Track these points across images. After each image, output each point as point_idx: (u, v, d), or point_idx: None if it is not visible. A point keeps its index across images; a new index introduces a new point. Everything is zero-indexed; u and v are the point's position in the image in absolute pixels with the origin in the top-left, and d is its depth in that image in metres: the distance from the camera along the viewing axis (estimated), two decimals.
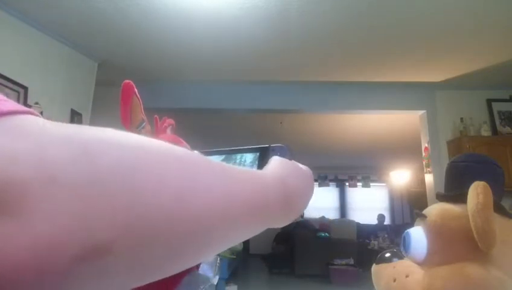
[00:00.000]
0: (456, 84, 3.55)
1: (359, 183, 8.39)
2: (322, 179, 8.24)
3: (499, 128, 3.48)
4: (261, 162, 0.37)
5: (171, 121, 0.62)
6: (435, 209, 0.73)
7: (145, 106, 0.55)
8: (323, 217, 7.44)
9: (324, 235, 6.13)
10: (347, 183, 8.50)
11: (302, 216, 0.37)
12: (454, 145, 3.44)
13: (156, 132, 0.60)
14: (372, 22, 2.54)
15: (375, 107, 3.73)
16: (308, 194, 0.35)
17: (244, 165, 0.39)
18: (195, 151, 0.29)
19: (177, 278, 0.42)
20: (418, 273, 0.67)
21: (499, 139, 3.40)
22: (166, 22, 2.57)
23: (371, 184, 8.35)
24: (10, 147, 0.14)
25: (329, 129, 5.21)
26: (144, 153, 0.18)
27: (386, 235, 6.37)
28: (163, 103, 3.60)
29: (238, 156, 0.41)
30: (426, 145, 3.62)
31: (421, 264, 0.69)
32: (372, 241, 6.19)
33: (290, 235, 6.12)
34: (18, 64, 2.50)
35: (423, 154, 3.69)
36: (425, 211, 0.75)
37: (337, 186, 8.70)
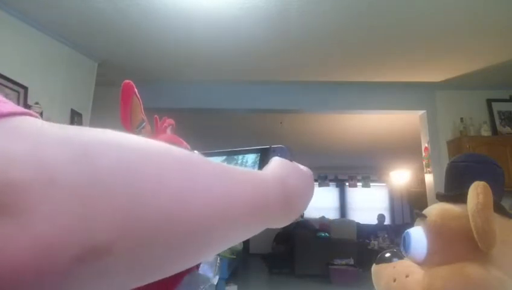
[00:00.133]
0: (456, 84, 3.55)
1: (359, 183, 8.39)
2: (322, 179, 8.24)
3: (499, 128, 3.49)
4: (262, 163, 0.37)
5: (171, 121, 0.62)
6: (435, 209, 0.73)
7: (145, 106, 0.55)
8: (323, 217, 7.44)
9: (324, 235, 6.13)
10: (347, 183, 8.50)
11: (302, 216, 0.37)
12: (454, 145, 3.44)
13: (155, 132, 0.60)
14: (372, 22, 2.54)
15: (375, 107, 3.73)
16: (308, 195, 0.35)
17: (245, 166, 0.39)
18: (195, 152, 0.29)
19: (177, 278, 0.42)
20: (418, 273, 0.67)
21: (499, 139, 3.40)
22: (166, 22, 2.57)
23: (371, 184, 8.35)
24: (9, 148, 0.14)
25: (329, 129, 5.21)
26: (144, 154, 0.19)
27: (386, 235, 6.37)
28: (163, 103, 3.60)
29: (240, 157, 0.41)
30: (426, 145, 3.62)
31: (421, 264, 0.69)
32: (372, 241, 6.19)
33: (290, 235, 6.11)
34: (18, 64, 2.50)
35: (423, 154, 3.69)
36: (425, 211, 0.75)
37: (337, 186, 8.70)
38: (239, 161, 0.40)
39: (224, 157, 0.42)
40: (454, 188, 0.74)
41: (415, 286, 0.66)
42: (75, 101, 2.95)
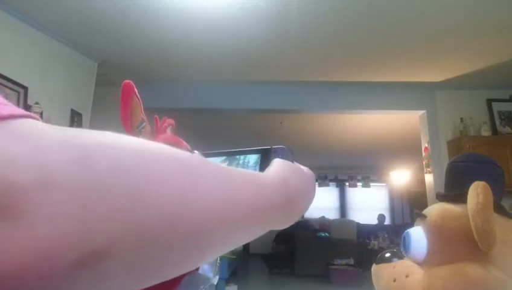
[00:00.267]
0: (456, 84, 3.55)
1: (359, 183, 8.39)
2: (322, 179, 8.24)
3: (499, 128, 3.48)
4: (263, 163, 0.37)
5: (171, 121, 0.62)
6: (435, 209, 0.73)
7: (145, 106, 0.55)
8: (323, 217, 7.44)
9: (324, 235, 6.13)
10: (347, 183, 8.50)
11: (302, 216, 0.37)
12: (454, 145, 3.44)
13: (156, 132, 0.60)
14: (372, 22, 2.54)
15: (375, 107, 3.73)
16: (309, 196, 0.35)
17: (247, 166, 0.39)
18: (196, 152, 0.29)
19: (177, 278, 0.42)
20: (418, 273, 0.67)
21: (499, 139, 3.40)
22: (166, 22, 2.57)
23: (371, 184, 8.35)
24: (9, 150, 0.14)
25: (329, 129, 5.21)
26: (144, 157, 0.18)
27: (386, 235, 6.37)
28: (163, 103, 3.60)
29: (241, 157, 0.41)
30: (426, 145, 3.62)
31: (421, 264, 0.69)
32: (372, 241, 6.19)
33: (290, 235, 6.12)
34: (18, 64, 2.50)
35: (423, 154, 3.69)
36: (425, 211, 0.75)
37: (337, 186, 8.70)
38: (240, 162, 0.40)
39: (225, 157, 0.42)
40: (454, 188, 0.74)
41: (415, 286, 0.66)
42: (75, 101, 2.95)
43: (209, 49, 2.97)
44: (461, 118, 3.51)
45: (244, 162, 0.40)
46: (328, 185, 8.39)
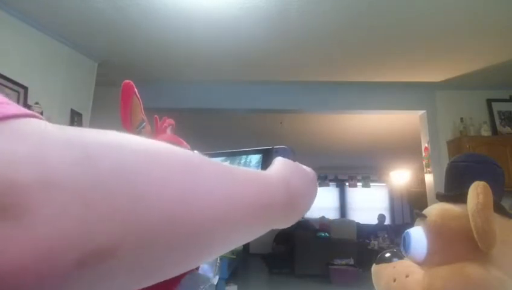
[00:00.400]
0: (456, 84, 3.55)
1: (359, 183, 8.39)
2: (322, 179, 8.24)
3: (499, 128, 3.48)
4: (264, 163, 0.37)
5: (171, 121, 0.62)
6: (435, 209, 0.73)
7: (145, 106, 0.55)
8: (323, 217, 7.44)
9: (324, 235, 6.13)
10: (347, 183, 8.50)
11: (302, 216, 0.37)
12: (454, 145, 3.44)
13: (156, 132, 0.60)
14: (372, 22, 2.54)
15: (375, 107, 3.73)
16: (311, 195, 0.35)
17: (249, 166, 0.39)
18: (196, 152, 0.29)
19: (177, 278, 0.42)
20: (418, 273, 0.67)
21: (499, 139, 3.40)
22: (166, 22, 2.57)
23: (371, 184, 8.35)
24: (12, 150, 0.14)
25: (329, 129, 5.21)
26: (146, 156, 0.18)
27: (386, 235, 6.37)
28: (163, 103, 3.60)
29: (243, 157, 0.41)
30: (426, 145, 3.62)
31: (421, 264, 0.69)
32: (372, 241, 6.19)
33: (290, 235, 6.12)
34: (18, 64, 2.50)
35: (423, 154, 3.69)
36: (425, 211, 0.75)
37: (337, 186, 8.70)
38: (242, 162, 0.40)
39: (226, 158, 0.42)
40: (454, 188, 0.74)
41: (415, 286, 0.66)
42: (75, 101, 2.95)
43: (209, 49, 2.97)
44: (461, 118, 3.51)
45: (245, 162, 0.40)
46: (328, 185, 8.39)
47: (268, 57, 3.10)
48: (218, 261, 0.53)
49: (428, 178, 3.56)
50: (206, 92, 3.71)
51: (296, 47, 2.92)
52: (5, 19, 2.41)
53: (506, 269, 0.62)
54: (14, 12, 2.45)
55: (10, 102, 0.16)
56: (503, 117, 3.53)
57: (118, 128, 0.19)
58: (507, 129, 3.48)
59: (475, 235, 0.60)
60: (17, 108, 0.16)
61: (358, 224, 6.86)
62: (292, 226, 0.33)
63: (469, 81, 3.47)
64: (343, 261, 5.41)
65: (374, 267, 0.78)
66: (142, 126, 0.53)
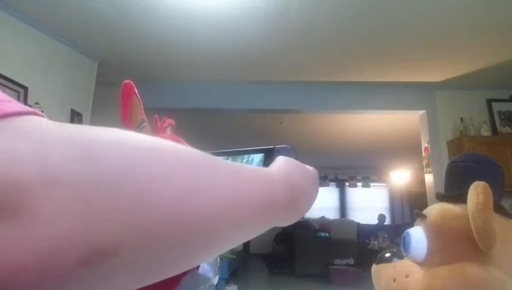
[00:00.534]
0: (456, 84, 3.55)
1: (359, 183, 8.39)
2: (322, 179, 8.24)
3: (499, 128, 3.48)
4: (266, 163, 0.37)
5: (171, 121, 0.62)
6: (435, 209, 0.73)
7: (145, 106, 0.54)
8: (323, 217, 7.44)
9: (324, 235, 6.13)
10: (347, 183, 8.50)
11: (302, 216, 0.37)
12: (454, 145, 3.44)
13: (156, 132, 0.60)
14: (372, 22, 2.54)
15: (375, 107, 3.73)
16: (313, 194, 0.35)
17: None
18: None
19: (176, 278, 0.42)
20: (418, 273, 0.67)
21: (499, 139, 3.40)
22: (166, 22, 2.57)
23: (371, 184, 8.35)
24: (13, 148, 0.14)
25: (329, 129, 5.21)
26: (148, 154, 0.18)
27: (386, 235, 6.37)
28: (163, 103, 3.60)
29: (245, 157, 0.41)
30: (426, 145, 3.62)
31: (421, 264, 0.69)
32: (372, 241, 6.19)
33: (290, 235, 6.12)
34: (18, 64, 2.50)
35: (423, 154, 3.69)
36: (425, 211, 0.75)
37: (337, 186, 8.70)
38: (244, 161, 0.40)
39: (228, 157, 0.42)
40: (454, 188, 0.74)
41: (415, 286, 0.66)
42: (75, 101, 2.95)
43: (209, 49, 2.97)
44: (461, 118, 3.51)
45: (247, 161, 0.40)
46: (328, 185, 8.39)
47: (268, 57, 3.10)
48: (218, 261, 0.53)
49: (428, 178, 3.56)
50: (206, 92, 3.71)
51: (296, 47, 2.92)
52: (5, 19, 2.41)
53: (506, 269, 0.62)
54: (14, 12, 2.45)
55: (11, 100, 0.16)
56: (503, 117, 3.53)
57: (119, 129, 0.19)
58: (507, 129, 3.48)
59: (475, 235, 0.60)
60: (18, 106, 0.16)
61: (358, 224, 6.86)
62: (292, 226, 0.33)
63: (469, 81, 3.47)
64: (343, 261, 5.41)
65: (374, 267, 0.78)
66: (142, 126, 0.53)
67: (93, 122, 3.13)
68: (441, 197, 0.77)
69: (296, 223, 0.34)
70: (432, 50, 2.92)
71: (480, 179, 0.64)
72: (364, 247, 5.97)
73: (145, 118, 0.54)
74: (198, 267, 0.47)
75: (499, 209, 0.66)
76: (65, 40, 2.83)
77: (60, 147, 0.15)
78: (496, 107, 3.56)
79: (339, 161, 7.70)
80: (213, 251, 0.23)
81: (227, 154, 0.43)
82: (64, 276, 0.14)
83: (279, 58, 3.13)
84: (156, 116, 0.62)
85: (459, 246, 0.66)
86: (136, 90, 0.53)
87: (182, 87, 3.71)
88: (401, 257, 0.74)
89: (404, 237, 0.72)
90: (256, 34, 2.72)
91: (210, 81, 3.65)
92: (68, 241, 0.14)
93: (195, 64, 3.29)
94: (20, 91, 2.46)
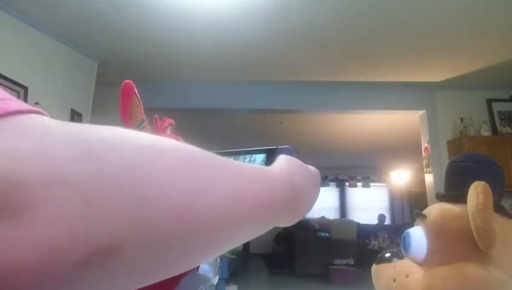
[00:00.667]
0: (456, 84, 3.55)
1: (359, 183, 8.39)
2: (322, 179, 8.04)
3: (499, 128, 3.48)
4: (268, 163, 0.37)
5: (171, 121, 0.62)
6: (435, 209, 0.73)
7: (145, 106, 0.55)
8: (323, 217, 7.44)
9: (324, 235, 6.13)
10: (347, 183, 8.50)
11: None
12: (454, 145, 3.44)
13: (156, 132, 0.60)
14: (372, 22, 2.54)
15: (375, 107, 3.73)
16: (314, 194, 0.35)
17: None
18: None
19: (176, 278, 0.42)
20: (418, 273, 0.67)
21: (499, 139, 3.40)
22: (166, 22, 2.57)
23: (371, 184, 8.35)
24: (14, 147, 0.14)
25: (329, 129, 5.21)
26: (149, 153, 0.18)
27: (386, 235, 6.37)
28: (163, 103, 3.60)
29: (247, 157, 0.41)
30: (426, 145, 3.62)
31: (421, 264, 0.69)
32: (372, 241, 6.19)
33: (290, 235, 6.12)
34: (18, 64, 2.50)
35: (423, 154, 3.69)
36: (425, 211, 0.75)
37: (337, 186, 8.70)
38: (246, 161, 0.41)
39: (229, 157, 0.42)
40: (454, 188, 0.74)
41: (415, 286, 0.66)
42: (75, 101, 2.95)
43: (209, 49, 2.97)
44: (461, 118, 3.51)
45: (249, 161, 0.40)
46: (328, 185, 8.38)
47: (268, 57, 3.10)
48: (218, 261, 0.53)
49: (428, 178, 3.56)
50: (206, 92, 3.71)
51: (296, 47, 2.92)
52: (5, 19, 2.41)
53: (506, 269, 0.62)
54: (14, 12, 2.45)
55: (13, 98, 0.16)
56: (503, 117, 3.53)
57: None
58: (507, 129, 3.48)
59: (475, 235, 0.60)
60: (19, 104, 0.16)
61: (358, 224, 6.86)
62: (292, 226, 0.33)
63: (469, 81, 3.47)
64: (343, 261, 5.41)
65: (374, 267, 0.78)
66: (142, 126, 0.53)
67: (93, 122, 3.08)
68: (441, 197, 0.77)
69: (296, 223, 0.34)
70: (431, 50, 2.92)
71: (480, 179, 0.64)
72: (364, 247, 5.97)
73: (145, 118, 0.54)
74: (198, 267, 0.47)
75: (499, 209, 0.66)
76: (65, 40, 2.83)
77: (61, 146, 0.15)
78: (496, 107, 3.56)
79: (339, 161, 7.70)
80: (214, 251, 0.23)
81: (229, 154, 0.43)
82: (65, 276, 0.14)
83: (279, 58, 3.13)
84: (156, 116, 0.62)
85: (459, 246, 0.66)
86: (136, 90, 0.53)
87: (182, 87, 3.71)
88: (401, 257, 0.74)
89: (404, 237, 0.72)
90: (256, 34, 2.72)
91: (210, 81, 3.65)
92: (68, 241, 0.13)
93: (195, 64, 3.29)
94: (20, 91, 2.46)
